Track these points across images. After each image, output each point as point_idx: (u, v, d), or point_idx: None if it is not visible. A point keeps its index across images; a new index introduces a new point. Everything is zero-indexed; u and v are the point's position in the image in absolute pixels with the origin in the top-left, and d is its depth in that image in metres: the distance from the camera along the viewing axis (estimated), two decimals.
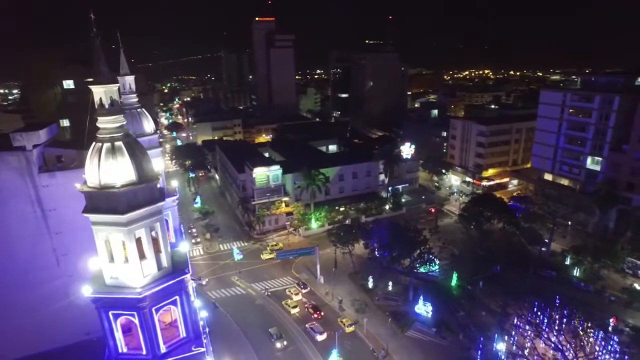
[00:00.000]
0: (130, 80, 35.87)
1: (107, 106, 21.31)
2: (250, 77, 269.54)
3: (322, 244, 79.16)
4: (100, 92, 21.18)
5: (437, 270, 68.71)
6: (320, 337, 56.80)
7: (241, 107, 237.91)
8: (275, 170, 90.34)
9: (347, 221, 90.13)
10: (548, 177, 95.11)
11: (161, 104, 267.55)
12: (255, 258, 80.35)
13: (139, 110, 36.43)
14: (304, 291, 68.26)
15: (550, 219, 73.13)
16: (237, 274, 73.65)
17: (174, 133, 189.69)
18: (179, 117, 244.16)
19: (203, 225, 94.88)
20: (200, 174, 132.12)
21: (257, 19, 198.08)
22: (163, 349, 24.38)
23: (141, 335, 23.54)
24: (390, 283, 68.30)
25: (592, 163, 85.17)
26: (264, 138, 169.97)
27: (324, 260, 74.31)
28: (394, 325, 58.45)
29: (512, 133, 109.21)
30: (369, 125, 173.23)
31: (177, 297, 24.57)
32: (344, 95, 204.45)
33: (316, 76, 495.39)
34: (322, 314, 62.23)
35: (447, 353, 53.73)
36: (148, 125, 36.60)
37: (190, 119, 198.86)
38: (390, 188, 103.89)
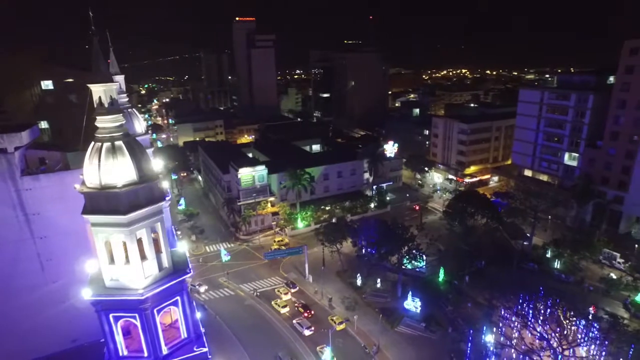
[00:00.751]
0: (120, 79, 35.32)
1: (106, 105, 20.96)
2: (230, 77, 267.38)
3: (309, 243, 79.40)
4: (99, 91, 20.83)
5: (424, 266, 69.80)
6: (307, 332, 57.43)
7: (222, 108, 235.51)
8: (261, 170, 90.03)
9: (333, 220, 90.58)
10: (528, 173, 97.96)
11: (139, 106, 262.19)
12: (242, 259, 79.91)
13: (129, 110, 35.91)
14: (293, 291, 68.29)
15: (531, 213, 75.31)
16: (225, 275, 73.06)
17: (154, 135, 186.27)
18: (158, 118, 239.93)
19: (188, 227, 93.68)
20: (182, 176, 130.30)
21: (237, 18, 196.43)
22: (165, 350, 24.14)
23: (142, 337, 23.25)
24: (378, 280, 69.01)
25: (569, 159, 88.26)
26: (246, 139, 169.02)
27: (312, 259, 74.48)
28: (384, 322, 59.11)
29: (493, 131, 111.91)
30: (351, 124, 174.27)
31: (178, 298, 24.38)
32: (325, 95, 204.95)
33: (295, 76, 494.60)
34: (312, 312, 62.43)
35: (437, 347, 54.72)
36: (139, 125, 36.11)
37: (170, 120, 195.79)
38: (374, 186, 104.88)
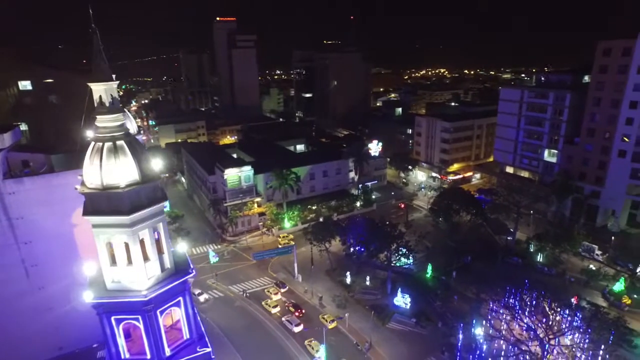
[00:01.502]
0: None
1: (107, 104, 20.63)
2: (212, 78, 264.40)
3: (297, 243, 79.40)
4: (100, 90, 20.50)
5: (412, 263, 70.78)
6: (297, 329, 57.80)
7: (203, 109, 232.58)
8: (247, 170, 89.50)
9: (320, 219, 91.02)
10: (509, 170, 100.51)
11: None
12: (230, 260, 79.35)
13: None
14: (282, 290, 68.25)
15: (514, 209, 77.32)
16: (214, 277, 72.38)
17: None
18: (138, 120, 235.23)
19: (173, 229, 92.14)
20: (165, 177, 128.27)
21: (218, 18, 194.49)
22: (167, 351, 23.92)
23: (145, 339, 22.99)
24: (367, 278, 69.62)
25: (549, 155, 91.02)
26: (229, 139, 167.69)
27: (300, 258, 74.49)
28: (375, 319, 59.71)
29: (474, 129, 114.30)
30: (334, 124, 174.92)
31: (180, 298, 24.21)
32: (307, 95, 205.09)
33: (276, 77, 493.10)
34: (303, 311, 62.54)
35: (428, 342, 55.63)
36: (131, 125, 35.51)
37: (150, 121, 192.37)
38: (360, 185, 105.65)
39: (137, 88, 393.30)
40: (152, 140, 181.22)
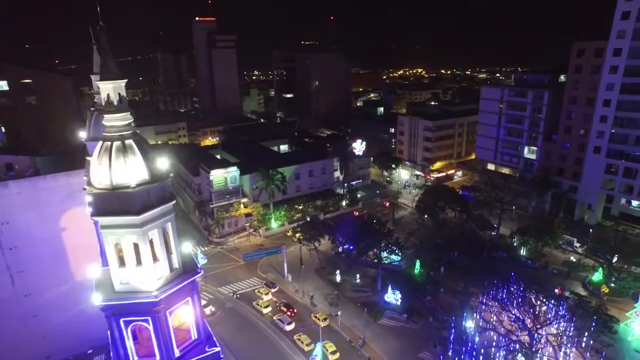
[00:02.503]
0: None
1: (115, 103, 20.31)
2: (191, 79, 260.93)
3: (284, 243, 79.32)
4: (108, 89, 20.12)
5: (400, 260, 71.85)
6: (288, 327, 58.20)
7: (182, 110, 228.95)
8: (233, 171, 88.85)
9: (307, 218, 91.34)
10: (491, 167, 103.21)
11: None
12: (218, 262, 78.61)
13: None
14: (273, 290, 68.18)
15: (498, 205, 79.46)
16: (203, 279, 71.54)
17: None
18: None
19: None
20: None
21: (197, 18, 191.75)
22: (177, 352, 23.66)
23: (155, 341, 22.67)
24: (357, 275, 70.28)
25: (529, 152, 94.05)
26: (211, 141, 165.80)
27: (289, 258, 74.47)
28: (367, 316, 60.38)
29: (456, 127, 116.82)
30: (316, 124, 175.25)
31: (189, 298, 23.97)
32: (288, 96, 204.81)
33: (254, 77, 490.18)
34: (295, 311, 62.65)
35: (420, 336, 56.66)
36: None
37: None
38: (345, 184, 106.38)
39: None
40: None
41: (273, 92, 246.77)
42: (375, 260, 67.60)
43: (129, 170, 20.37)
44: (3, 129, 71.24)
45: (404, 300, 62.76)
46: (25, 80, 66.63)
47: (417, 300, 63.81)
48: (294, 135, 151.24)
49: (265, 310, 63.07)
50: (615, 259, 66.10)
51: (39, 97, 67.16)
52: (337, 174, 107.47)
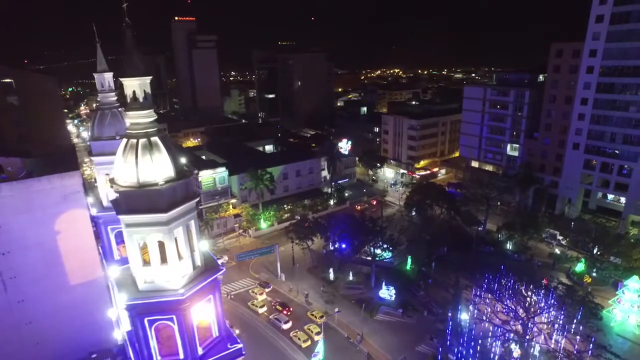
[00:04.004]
0: (109, 77, 33.37)
1: (141, 100, 20.16)
2: (170, 79, 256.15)
3: (275, 242, 79.24)
4: (134, 85, 19.99)
5: (391, 256, 72.89)
6: (285, 326, 58.41)
7: (162, 112, 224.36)
8: (221, 172, 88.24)
9: (296, 217, 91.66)
10: (475, 164, 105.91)
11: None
12: None
13: (120, 109, 33.99)
14: (267, 290, 68.04)
15: (484, 201, 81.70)
16: None
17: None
18: (90, 123, 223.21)
19: None
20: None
21: (176, 18, 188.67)
22: (200, 350, 23.63)
23: (179, 339, 22.63)
24: (350, 273, 70.94)
25: (511, 150, 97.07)
26: (192, 142, 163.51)
27: (281, 258, 74.49)
28: (363, 312, 61.09)
29: (439, 126, 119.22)
30: (298, 124, 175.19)
31: (211, 296, 23.97)
32: (270, 96, 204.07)
33: (231, 78, 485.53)
34: (291, 309, 62.76)
35: (416, 330, 57.75)
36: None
37: None
38: (332, 184, 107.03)
39: (85, 91, 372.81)
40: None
41: (253, 93, 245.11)
42: (369, 258, 68.43)
43: (155, 167, 20.30)
44: None
45: (398, 296, 63.80)
46: (5, 80, 64.27)
47: (411, 295, 64.99)
48: (277, 135, 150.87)
49: (260, 310, 62.94)
50: (595, 250, 69.12)
51: (20, 97, 64.91)
52: (324, 173, 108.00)
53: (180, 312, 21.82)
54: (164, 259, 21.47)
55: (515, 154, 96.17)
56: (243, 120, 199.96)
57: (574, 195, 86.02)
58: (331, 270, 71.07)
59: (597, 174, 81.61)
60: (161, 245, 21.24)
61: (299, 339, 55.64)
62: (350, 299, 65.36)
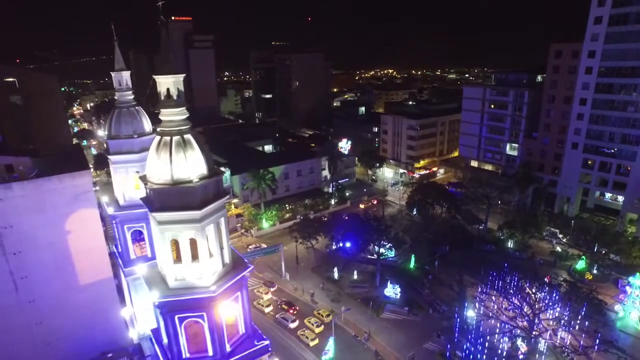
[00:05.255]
0: (126, 76, 33.32)
1: (175, 97, 20.27)
2: None
3: (277, 242, 79.35)
4: (168, 83, 20.12)
5: (395, 255, 73.36)
6: (292, 325, 58.76)
7: (157, 112, 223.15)
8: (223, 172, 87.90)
9: (298, 217, 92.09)
10: (474, 163, 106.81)
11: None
12: None
13: (137, 108, 33.96)
14: (272, 290, 68.15)
15: (485, 201, 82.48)
16: None
17: (84, 142, 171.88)
18: (85, 123, 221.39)
19: None
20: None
21: (173, 18, 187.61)
22: (228, 347, 23.78)
23: (209, 336, 22.78)
24: (355, 272, 71.29)
25: (511, 149, 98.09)
26: None
27: (285, 257, 74.58)
28: (369, 310, 61.47)
29: (438, 126, 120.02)
30: (296, 124, 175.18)
31: (239, 293, 24.13)
32: (267, 96, 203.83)
33: (225, 78, 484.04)
34: (297, 308, 62.94)
35: (422, 328, 58.22)
36: (147, 124, 34.36)
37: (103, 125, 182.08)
38: (333, 183, 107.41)
39: (77, 90, 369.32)
40: (105, 145, 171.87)
41: (249, 93, 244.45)
42: (375, 256, 68.82)
43: (189, 164, 20.45)
44: None
45: (403, 294, 64.27)
46: (8, 79, 63.67)
47: (416, 294, 65.50)
48: (275, 135, 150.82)
49: (267, 310, 63.03)
50: (595, 248, 70.13)
51: (23, 96, 64.37)
52: (324, 173, 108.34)
53: (211, 309, 21.97)
54: (195, 257, 21.60)
55: (515, 153, 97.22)
56: (240, 121, 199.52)
57: (573, 194, 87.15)
58: (335, 269, 71.35)
59: (596, 173, 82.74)
60: (193, 242, 21.37)
61: (307, 337, 55.95)
62: (355, 298, 65.65)
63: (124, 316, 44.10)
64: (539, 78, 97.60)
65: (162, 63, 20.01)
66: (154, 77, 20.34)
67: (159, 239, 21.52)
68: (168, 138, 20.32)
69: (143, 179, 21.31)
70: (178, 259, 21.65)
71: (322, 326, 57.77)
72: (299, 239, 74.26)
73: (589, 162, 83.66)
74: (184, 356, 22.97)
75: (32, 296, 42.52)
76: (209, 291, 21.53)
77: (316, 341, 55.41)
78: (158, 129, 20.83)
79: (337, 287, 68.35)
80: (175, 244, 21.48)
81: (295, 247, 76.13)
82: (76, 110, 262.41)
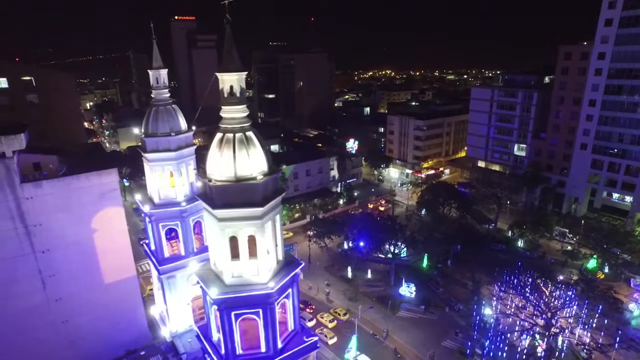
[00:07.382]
0: (164, 74, 33.40)
1: (238, 94, 20.47)
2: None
3: (289, 241, 79.60)
4: (232, 80, 20.31)
5: (407, 255, 73.73)
6: (310, 324, 59.09)
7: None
8: None
9: (307, 216, 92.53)
10: (481, 164, 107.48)
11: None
12: None
13: (173, 106, 34.08)
14: None
15: (495, 200, 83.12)
16: None
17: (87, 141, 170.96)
18: (85, 123, 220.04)
19: None
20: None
21: (176, 17, 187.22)
22: (279, 344, 23.98)
23: (262, 333, 22.96)
24: (369, 271, 71.64)
25: (519, 150, 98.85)
26: (196, 142, 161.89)
27: (298, 256, 74.76)
28: (385, 309, 61.81)
29: (444, 126, 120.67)
30: (300, 124, 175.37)
31: (290, 290, 24.35)
32: (270, 96, 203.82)
33: None
34: (314, 307, 63.18)
35: (439, 326, 58.68)
36: (183, 122, 34.54)
37: (105, 124, 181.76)
38: (341, 183, 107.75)
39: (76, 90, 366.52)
40: (107, 144, 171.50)
41: (249, 93, 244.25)
42: (386, 255, 69.18)
43: (251, 161, 20.66)
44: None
45: (417, 293, 64.69)
46: (25, 78, 63.48)
47: (431, 292, 65.95)
48: (280, 135, 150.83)
49: None
50: (606, 247, 70.83)
51: (40, 95, 64.20)
52: (332, 172, 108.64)
53: (267, 306, 22.17)
54: (252, 253, 21.80)
55: (523, 154, 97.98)
56: None
57: (581, 194, 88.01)
58: (349, 268, 71.64)
59: (605, 173, 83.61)
60: (251, 239, 21.56)
61: (326, 335, 56.19)
62: (370, 297, 65.97)
63: (154, 315, 44.09)
64: (547, 79, 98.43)
65: (227, 61, 20.14)
66: (217, 74, 20.49)
67: (217, 235, 21.67)
68: (231, 135, 20.52)
69: (202, 175, 21.48)
70: (235, 255, 21.82)
71: (335, 321, 58.82)
72: (312, 238, 74.48)
73: (598, 163, 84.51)
74: (237, 353, 23.15)
75: (59, 294, 42.54)
76: (266, 288, 21.72)
77: (335, 339, 55.72)
78: (220, 126, 21.01)
79: (350, 286, 68.63)
80: (234, 240, 21.65)
81: (308, 246, 76.35)
82: None
